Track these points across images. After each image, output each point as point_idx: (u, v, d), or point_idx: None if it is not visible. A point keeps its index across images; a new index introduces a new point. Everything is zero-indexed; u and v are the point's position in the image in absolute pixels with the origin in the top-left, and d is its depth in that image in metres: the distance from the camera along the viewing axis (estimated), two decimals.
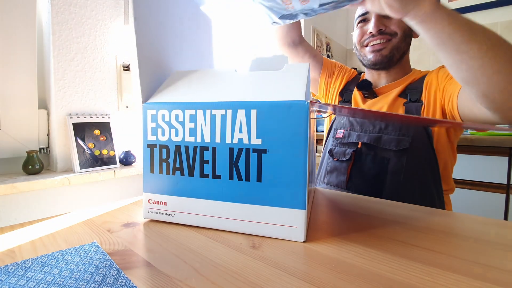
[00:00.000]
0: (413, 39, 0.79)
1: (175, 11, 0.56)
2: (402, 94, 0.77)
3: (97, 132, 0.93)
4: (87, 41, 0.94)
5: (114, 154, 0.95)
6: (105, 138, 0.94)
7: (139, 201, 0.56)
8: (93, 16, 0.95)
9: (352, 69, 0.96)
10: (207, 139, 0.40)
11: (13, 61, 0.80)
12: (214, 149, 0.40)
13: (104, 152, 0.93)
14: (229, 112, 0.38)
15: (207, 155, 0.40)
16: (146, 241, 0.37)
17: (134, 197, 0.59)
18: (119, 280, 0.28)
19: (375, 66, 0.80)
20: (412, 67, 0.85)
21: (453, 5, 1.92)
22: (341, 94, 0.90)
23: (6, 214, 0.77)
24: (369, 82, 0.82)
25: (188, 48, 0.59)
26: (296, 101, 0.35)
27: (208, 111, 0.40)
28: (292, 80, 0.38)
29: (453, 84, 0.68)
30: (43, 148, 0.90)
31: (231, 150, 0.38)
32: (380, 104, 0.78)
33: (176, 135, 0.42)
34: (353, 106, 0.84)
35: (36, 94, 0.85)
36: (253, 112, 0.37)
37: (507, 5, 1.78)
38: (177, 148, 0.42)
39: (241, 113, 0.37)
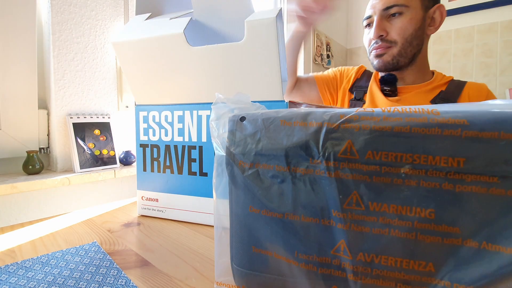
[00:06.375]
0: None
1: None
2: (434, 100, 0.75)
3: (97, 132, 0.93)
4: (87, 41, 0.94)
5: (114, 154, 0.95)
6: (105, 138, 0.94)
7: None
8: (93, 16, 0.95)
9: (361, 66, 0.93)
10: (194, 138, 0.42)
11: (13, 61, 0.80)
12: (200, 148, 0.42)
13: (104, 152, 0.93)
14: None
15: (195, 154, 0.42)
16: (146, 241, 0.37)
17: (134, 197, 0.60)
18: (119, 280, 0.28)
19: (380, 70, 0.80)
20: (431, 69, 0.82)
21: (453, 5, 1.91)
22: (351, 90, 0.87)
23: (6, 214, 0.77)
24: (395, 76, 0.78)
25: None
26: (275, 102, 0.37)
27: (194, 112, 0.42)
28: (265, 66, 0.37)
29: None
30: (43, 148, 0.90)
31: None
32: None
33: (166, 135, 0.44)
34: (367, 103, 0.82)
35: (36, 94, 0.85)
36: None
37: (507, 5, 1.78)
38: (167, 147, 0.44)
39: None
